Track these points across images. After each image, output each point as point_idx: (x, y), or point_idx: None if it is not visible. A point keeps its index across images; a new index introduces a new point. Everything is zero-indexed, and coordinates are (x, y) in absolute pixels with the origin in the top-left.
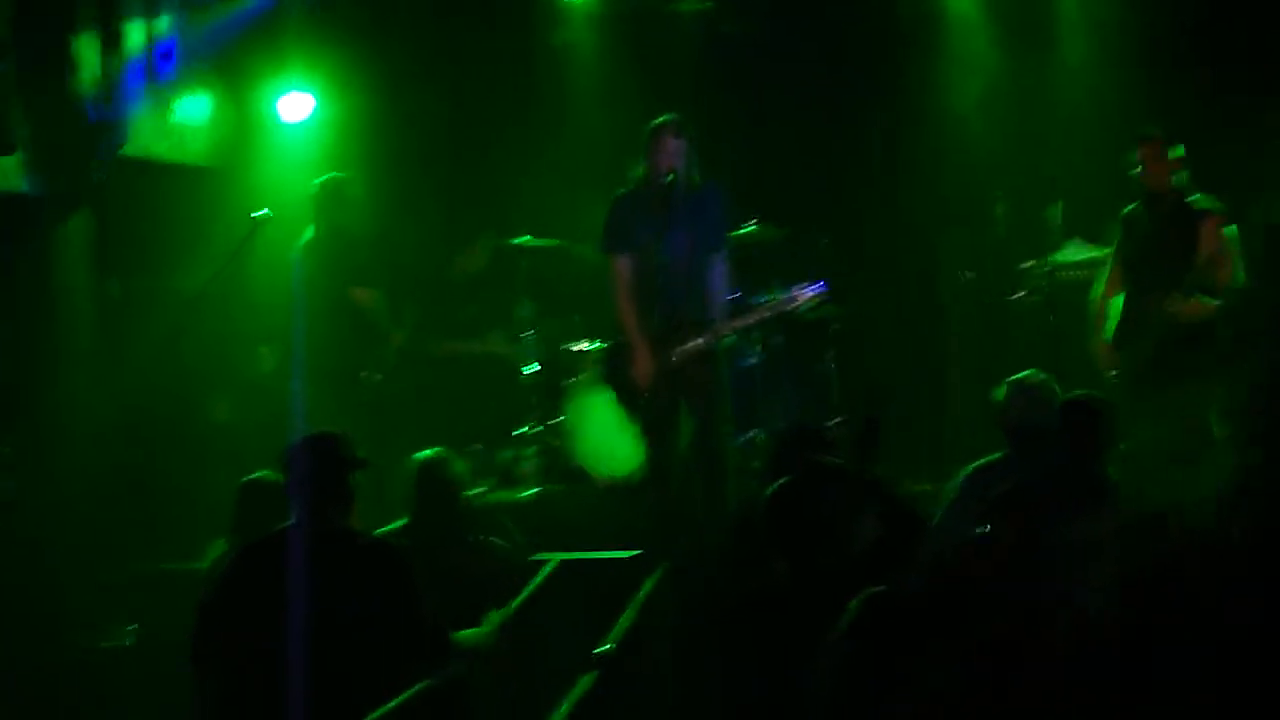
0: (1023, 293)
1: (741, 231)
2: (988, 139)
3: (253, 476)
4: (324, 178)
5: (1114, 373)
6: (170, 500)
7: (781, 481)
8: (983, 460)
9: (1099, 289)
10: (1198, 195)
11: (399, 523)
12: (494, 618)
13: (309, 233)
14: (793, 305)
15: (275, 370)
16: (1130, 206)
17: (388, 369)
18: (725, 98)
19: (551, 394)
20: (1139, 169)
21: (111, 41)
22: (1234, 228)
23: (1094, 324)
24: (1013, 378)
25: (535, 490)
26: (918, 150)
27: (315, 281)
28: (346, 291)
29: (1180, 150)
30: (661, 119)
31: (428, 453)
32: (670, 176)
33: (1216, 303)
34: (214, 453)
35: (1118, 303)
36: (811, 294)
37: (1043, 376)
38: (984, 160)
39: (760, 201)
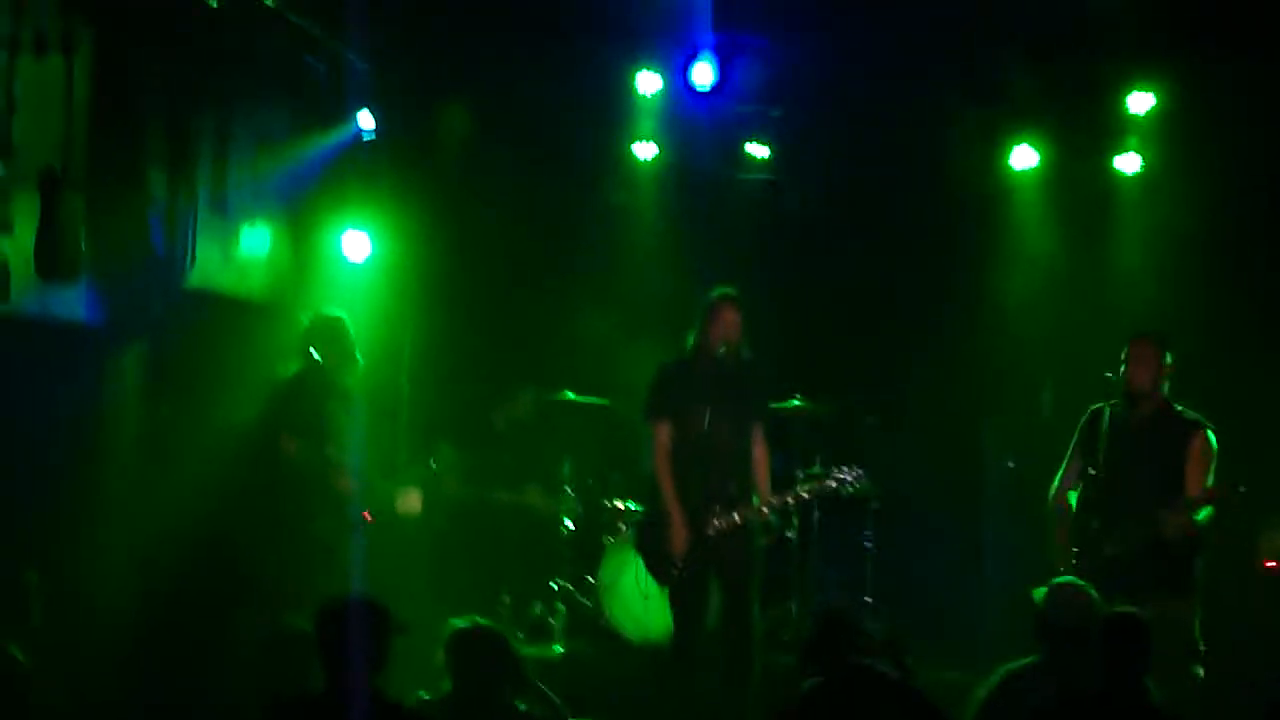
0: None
1: (787, 405)
2: (1038, 329)
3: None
4: (314, 315)
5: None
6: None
7: (817, 683)
8: (1016, 663)
9: (1055, 485)
10: (1180, 406)
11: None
12: None
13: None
14: (832, 488)
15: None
16: (1098, 405)
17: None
18: (779, 269)
19: (586, 551)
20: (1124, 368)
21: (181, 175)
22: (1213, 439)
23: (1056, 521)
24: (1053, 581)
25: (562, 647)
26: (968, 335)
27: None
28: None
29: (1170, 358)
30: (722, 291)
31: (480, 623)
32: (723, 349)
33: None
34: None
35: (1073, 502)
36: (851, 479)
37: (1082, 583)
38: (1032, 350)
39: (807, 376)
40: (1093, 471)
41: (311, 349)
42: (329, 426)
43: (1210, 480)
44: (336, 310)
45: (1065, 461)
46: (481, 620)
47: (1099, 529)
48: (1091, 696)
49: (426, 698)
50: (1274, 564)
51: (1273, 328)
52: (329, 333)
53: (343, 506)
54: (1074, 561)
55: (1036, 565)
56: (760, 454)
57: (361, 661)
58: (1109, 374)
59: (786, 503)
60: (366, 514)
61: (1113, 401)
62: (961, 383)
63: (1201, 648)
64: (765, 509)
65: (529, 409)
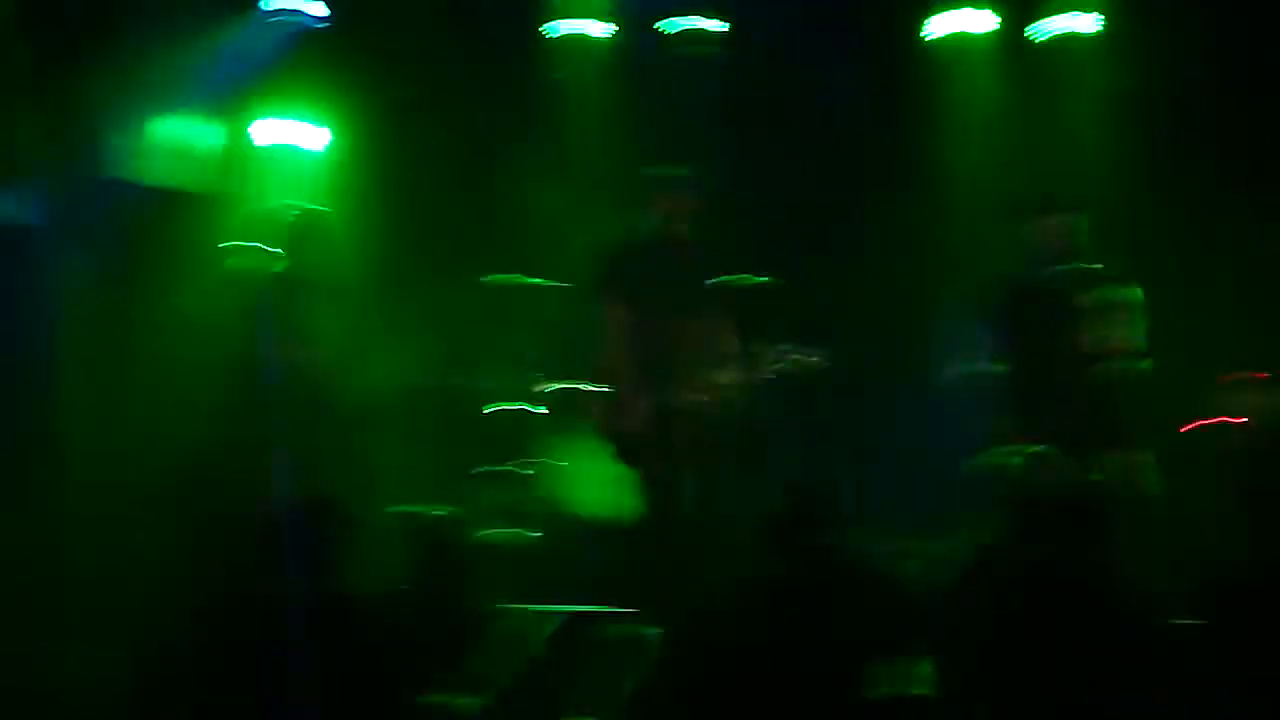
0: None
1: (742, 282)
2: (991, 194)
3: None
4: (297, 212)
5: None
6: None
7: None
8: (986, 532)
9: None
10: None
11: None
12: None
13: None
14: (794, 366)
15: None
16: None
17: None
18: (731, 147)
19: (554, 434)
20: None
21: (117, 69)
22: (1139, 291)
23: None
24: (1019, 451)
25: (530, 532)
26: (920, 204)
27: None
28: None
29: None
30: (669, 171)
31: (433, 511)
32: (674, 229)
33: None
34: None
35: None
36: (813, 358)
37: (1052, 451)
38: (986, 216)
39: (760, 253)
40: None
41: (293, 246)
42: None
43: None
44: (320, 205)
45: None
46: (440, 511)
47: None
48: (1057, 568)
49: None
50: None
51: (1228, 186)
52: (310, 229)
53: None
54: None
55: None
56: (719, 331)
57: (314, 558)
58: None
59: (748, 379)
60: None
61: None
62: (916, 253)
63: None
64: (728, 387)
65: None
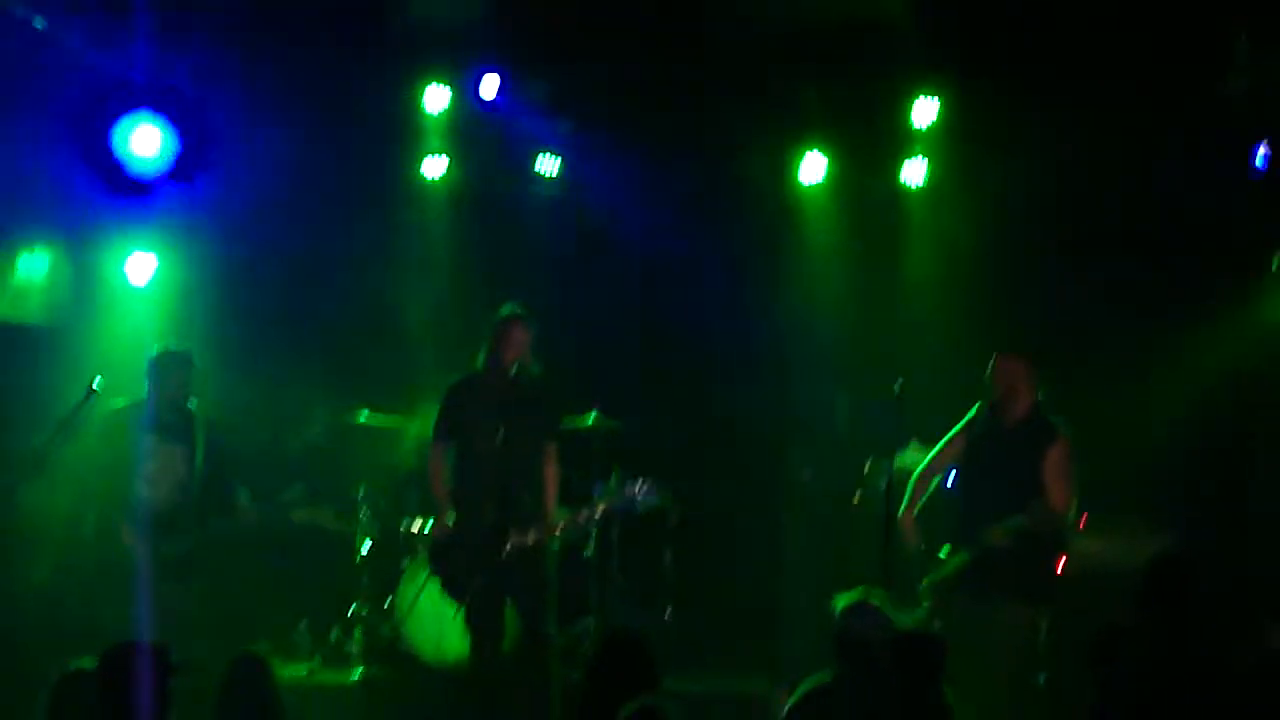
0: (860, 495)
1: (584, 422)
2: (832, 342)
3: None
4: (158, 348)
5: (919, 547)
6: None
7: None
8: (817, 678)
9: (922, 466)
10: (1049, 416)
11: None
12: None
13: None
14: (627, 503)
15: (96, 535)
16: (978, 405)
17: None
18: (573, 286)
19: (384, 573)
20: (994, 379)
21: None
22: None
23: (910, 495)
24: (849, 595)
25: (360, 672)
26: (763, 348)
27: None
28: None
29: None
30: (510, 310)
31: (245, 651)
32: (514, 367)
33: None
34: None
35: (932, 485)
36: (644, 492)
37: (878, 599)
38: (828, 362)
39: (604, 392)
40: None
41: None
42: (147, 466)
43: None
44: (180, 345)
45: (940, 446)
46: (252, 650)
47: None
48: (886, 715)
49: None
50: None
51: (1065, 334)
52: (161, 366)
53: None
54: (923, 547)
55: (838, 576)
56: (551, 472)
57: (137, 705)
58: (898, 382)
59: (581, 519)
60: None
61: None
62: (759, 396)
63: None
64: (560, 527)
65: (320, 431)
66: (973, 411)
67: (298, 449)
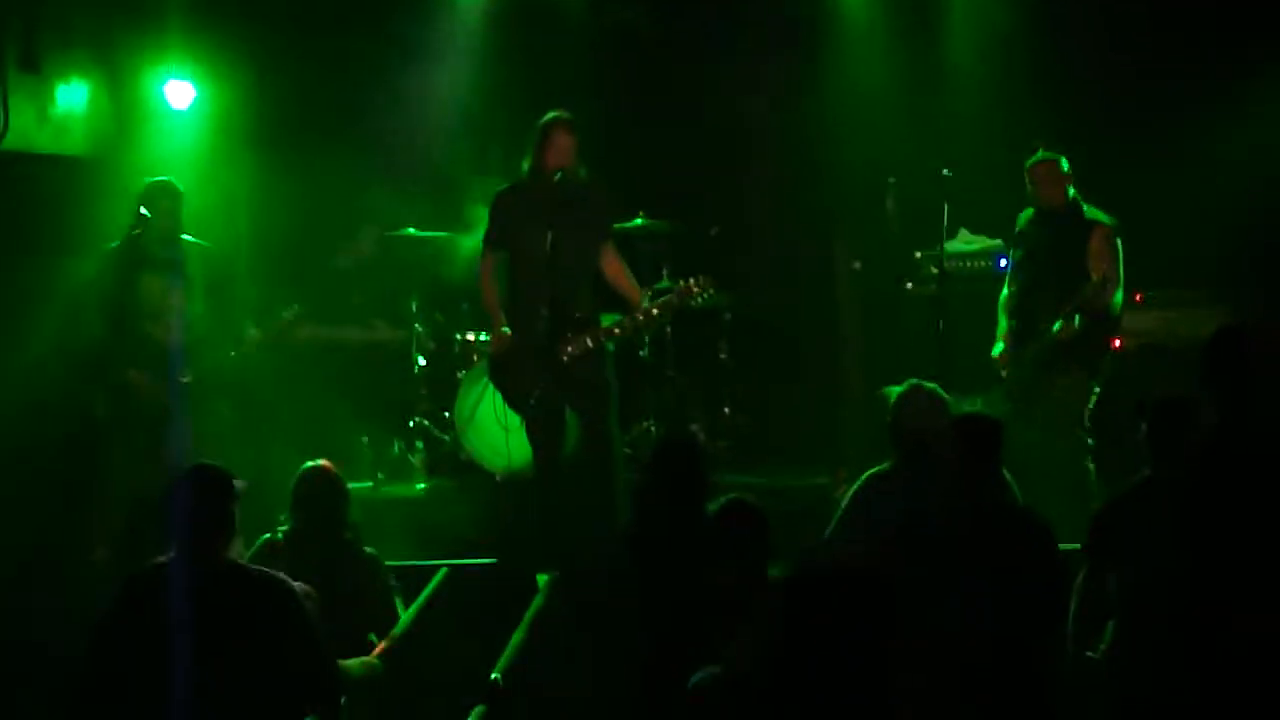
0: (911, 283)
1: (629, 225)
2: (878, 133)
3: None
4: (146, 182)
5: (1003, 373)
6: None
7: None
8: (872, 470)
9: (1003, 298)
10: (1086, 207)
11: (280, 531)
12: (379, 639)
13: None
14: (681, 301)
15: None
16: (1025, 215)
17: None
18: (611, 89)
19: (442, 385)
20: (1031, 187)
21: None
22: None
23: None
24: (904, 385)
25: (424, 484)
26: (809, 142)
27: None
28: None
29: (1066, 164)
30: (552, 116)
31: (309, 465)
32: (559, 174)
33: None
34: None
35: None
36: (699, 290)
37: (931, 386)
38: (875, 153)
39: (648, 194)
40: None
41: (140, 214)
42: (143, 302)
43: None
44: (164, 175)
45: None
46: (326, 463)
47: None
48: (943, 502)
49: (269, 537)
50: (1119, 342)
51: (1116, 110)
52: (148, 199)
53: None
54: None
55: (891, 366)
56: (617, 267)
57: (197, 529)
58: (946, 171)
59: (638, 320)
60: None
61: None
62: (805, 191)
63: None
64: (616, 328)
65: (371, 246)
66: (1021, 221)
67: (349, 266)
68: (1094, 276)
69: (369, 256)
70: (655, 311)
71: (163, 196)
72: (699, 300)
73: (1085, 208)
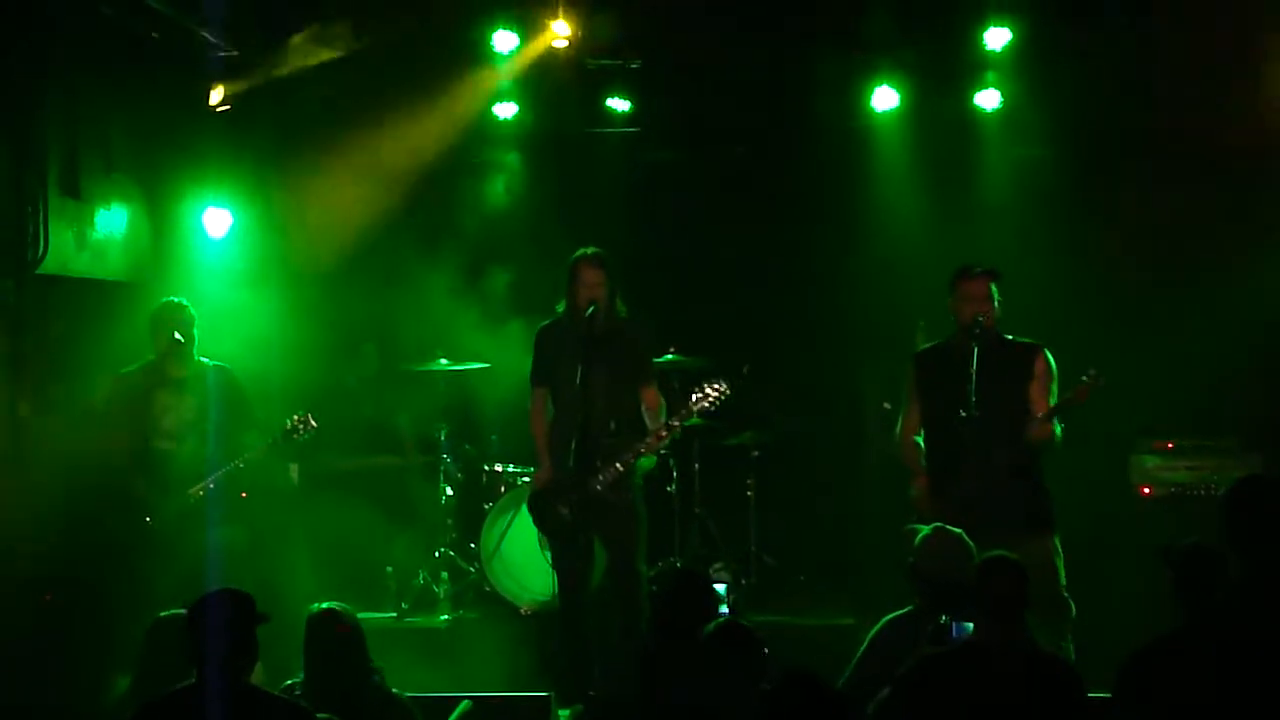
0: None
1: (662, 359)
2: (908, 269)
3: (164, 615)
4: (160, 302)
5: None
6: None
7: None
8: (892, 615)
9: (899, 432)
10: (1009, 335)
11: (297, 678)
12: None
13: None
14: (701, 406)
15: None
16: (928, 344)
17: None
18: (647, 225)
19: (469, 517)
20: (961, 303)
21: (26, 158)
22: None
23: (910, 465)
24: (925, 529)
25: (448, 615)
26: (840, 281)
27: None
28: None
29: (997, 291)
30: (579, 253)
31: (317, 607)
32: (590, 309)
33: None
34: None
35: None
36: (716, 392)
37: (956, 531)
38: (907, 294)
39: (681, 330)
40: (964, 413)
41: (174, 339)
42: (157, 420)
43: (1054, 398)
44: (178, 297)
45: (904, 407)
46: (333, 604)
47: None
48: (969, 644)
49: (295, 681)
50: (1149, 490)
51: (1136, 257)
52: (159, 321)
53: (131, 504)
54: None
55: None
56: (653, 402)
57: (221, 654)
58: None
59: (660, 437)
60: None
61: (933, 342)
62: (835, 328)
63: (1063, 581)
64: (641, 449)
65: (373, 363)
66: (911, 366)
67: (353, 383)
68: (1037, 404)
69: (373, 373)
70: (675, 422)
71: (173, 315)
72: (716, 403)
73: (1009, 335)
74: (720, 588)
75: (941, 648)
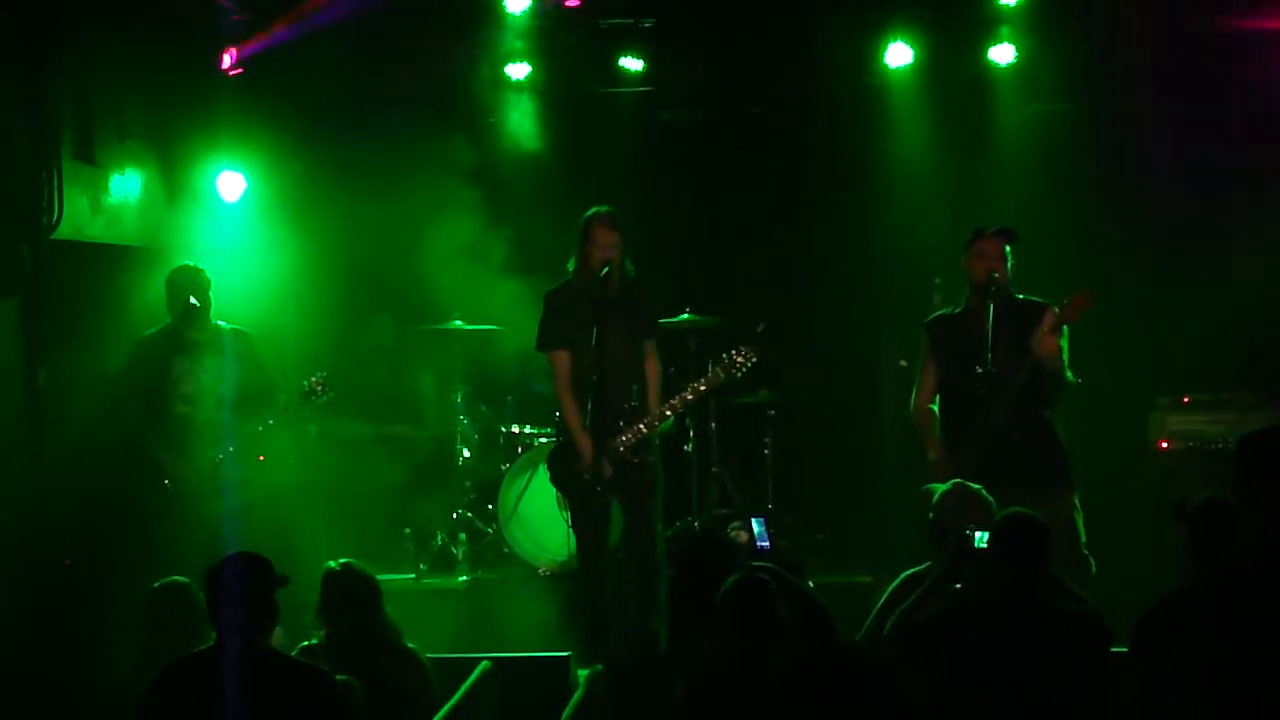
0: None
1: (677, 319)
2: (923, 227)
3: (165, 581)
4: (175, 267)
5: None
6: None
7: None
8: (911, 570)
9: (914, 400)
10: (1021, 294)
11: (315, 639)
12: None
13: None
14: (724, 377)
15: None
16: (941, 311)
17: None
18: (661, 184)
19: (485, 478)
20: (975, 260)
21: (40, 124)
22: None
23: (925, 434)
24: (947, 484)
25: (466, 577)
26: (856, 238)
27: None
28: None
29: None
30: (593, 211)
31: (334, 564)
32: (604, 269)
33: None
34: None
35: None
36: (741, 359)
37: (975, 487)
38: (922, 250)
39: (696, 290)
40: (980, 369)
41: (189, 303)
42: (176, 385)
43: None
44: (193, 261)
45: (918, 377)
46: (349, 560)
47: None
48: (989, 601)
49: (312, 643)
50: (1166, 444)
51: (1150, 219)
52: (175, 286)
53: (150, 469)
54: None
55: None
56: (652, 368)
57: (239, 617)
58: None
59: (685, 401)
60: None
61: (944, 310)
62: (851, 287)
63: (1083, 539)
64: (660, 414)
65: (387, 335)
66: (924, 334)
67: (367, 351)
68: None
69: (389, 340)
70: (702, 387)
71: (189, 279)
72: (742, 372)
73: (1021, 294)
74: (757, 524)
75: (958, 605)
